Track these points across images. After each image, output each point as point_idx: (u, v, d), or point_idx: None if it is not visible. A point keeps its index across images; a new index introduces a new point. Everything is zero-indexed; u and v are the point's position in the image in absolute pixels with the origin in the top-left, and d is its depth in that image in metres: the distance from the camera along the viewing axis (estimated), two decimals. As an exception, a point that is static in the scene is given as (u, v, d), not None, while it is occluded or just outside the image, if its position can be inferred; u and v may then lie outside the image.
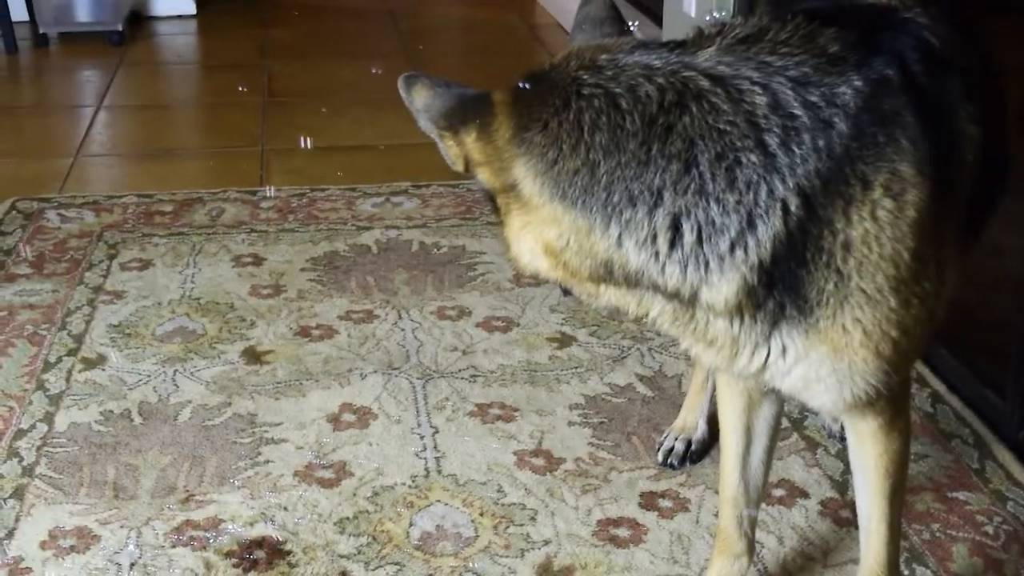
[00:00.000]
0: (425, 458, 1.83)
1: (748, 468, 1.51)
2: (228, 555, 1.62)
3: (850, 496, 1.73)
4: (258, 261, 2.49)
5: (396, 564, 1.61)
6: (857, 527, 1.44)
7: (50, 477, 1.78)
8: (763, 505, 1.64)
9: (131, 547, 1.64)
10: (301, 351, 2.14)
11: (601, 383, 2.04)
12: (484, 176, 1.23)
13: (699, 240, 1.15)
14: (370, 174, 2.96)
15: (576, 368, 2.08)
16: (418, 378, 2.05)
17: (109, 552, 1.63)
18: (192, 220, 2.70)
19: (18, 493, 1.75)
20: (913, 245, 1.16)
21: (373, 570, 1.60)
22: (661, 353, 2.12)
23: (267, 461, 1.82)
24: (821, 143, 1.13)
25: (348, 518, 1.70)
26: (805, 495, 1.76)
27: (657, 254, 1.16)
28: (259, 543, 1.65)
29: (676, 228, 1.15)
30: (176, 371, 2.07)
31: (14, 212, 2.75)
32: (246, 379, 2.05)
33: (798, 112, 1.14)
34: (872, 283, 1.17)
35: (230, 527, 1.68)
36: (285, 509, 1.71)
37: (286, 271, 2.45)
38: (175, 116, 3.62)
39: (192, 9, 4.68)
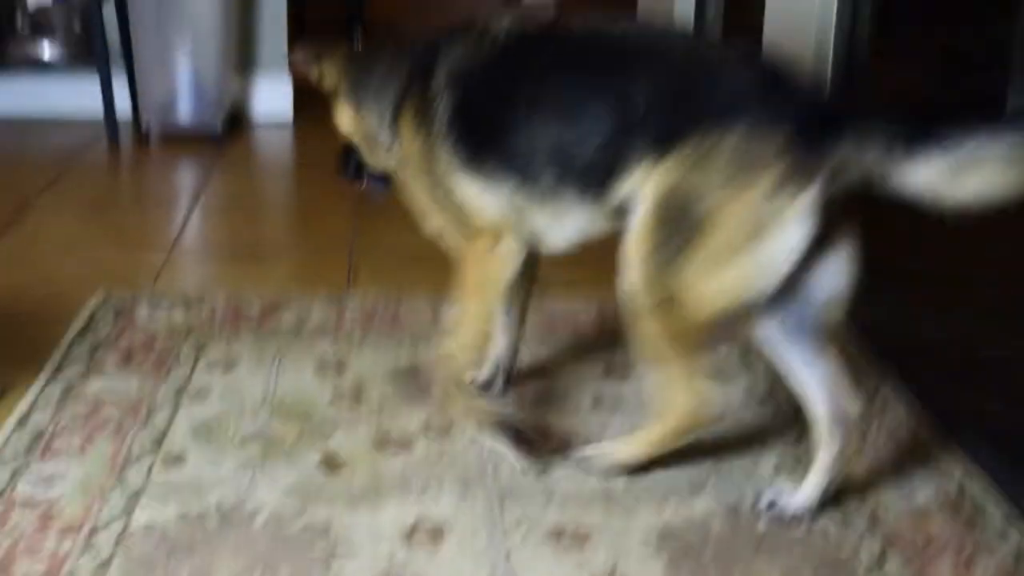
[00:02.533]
0: (498, 580, 1.82)
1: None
2: (295, 668, 1.62)
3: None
4: (341, 367, 2.51)
5: None
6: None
7: (125, 575, 1.79)
8: None
9: (199, 653, 1.64)
10: (378, 462, 2.14)
11: (677, 513, 2.01)
12: (326, 83, 2.34)
13: (388, 118, 2.24)
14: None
15: (652, 495, 2.06)
16: (495, 496, 2.04)
17: (177, 656, 1.63)
18: (278, 322, 2.74)
19: (92, 589, 1.76)
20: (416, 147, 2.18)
21: None
22: (745, 482, 2.09)
23: (340, 573, 1.82)
24: (392, 92, 2.22)
25: (417, 637, 1.68)
26: None
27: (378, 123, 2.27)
28: (326, 657, 1.64)
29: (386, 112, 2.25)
30: (254, 475, 2.09)
31: (106, 305, 2.81)
32: (323, 487, 2.05)
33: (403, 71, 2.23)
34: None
35: (299, 639, 1.68)
36: (355, 624, 1.71)
37: (368, 379, 2.46)
38: (267, 217, 3.70)
39: (289, 115, 4.81)
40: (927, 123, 1.78)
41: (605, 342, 2.66)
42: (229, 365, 2.52)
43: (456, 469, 2.12)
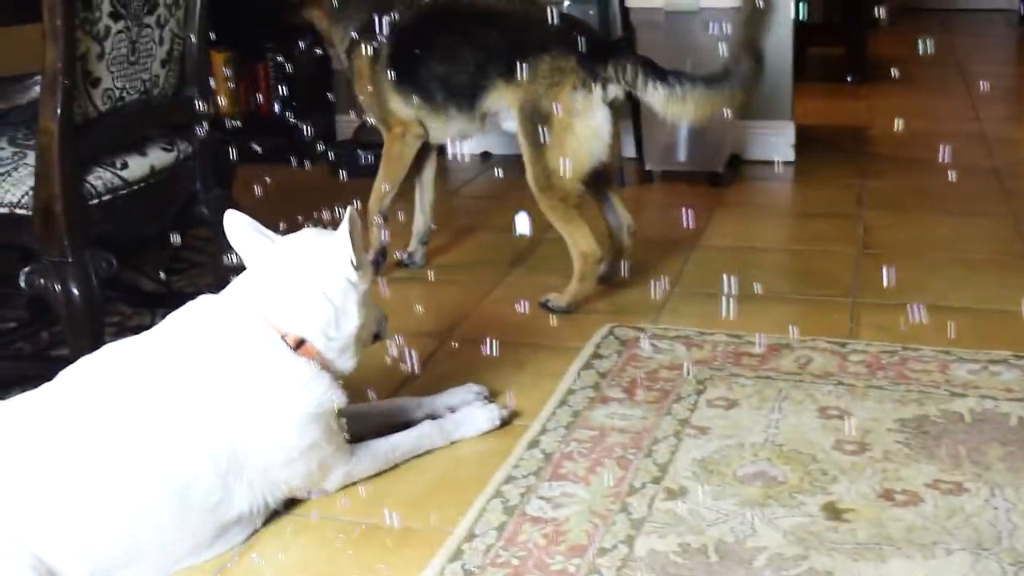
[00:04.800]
0: (1015, 654, 1.69)
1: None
2: None
3: None
4: (844, 415, 2.45)
5: None
6: None
7: (627, 600, 1.84)
8: None
9: None
10: (883, 514, 2.06)
11: None
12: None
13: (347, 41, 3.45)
14: (966, 338, 2.83)
15: None
16: (1010, 564, 1.90)
17: None
18: (779, 365, 2.72)
19: (597, 611, 1.81)
20: None
21: None
22: None
23: (842, 625, 1.76)
24: (354, 26, 3.38)
25: None
26: None
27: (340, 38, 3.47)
28: None
29: None
30: (754, 515, 2.07)
31: (611, 337, 2.91)
32: (824, 534, 2.00)
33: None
34: None
35: None
36: None
37: (872, 429, 2.38)
38: (765, 259, 3.67)
39: (791, 155, 4.78)
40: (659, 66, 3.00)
41: None
42: (730, 403, 2.52)
43: (968, 530, 2.00)
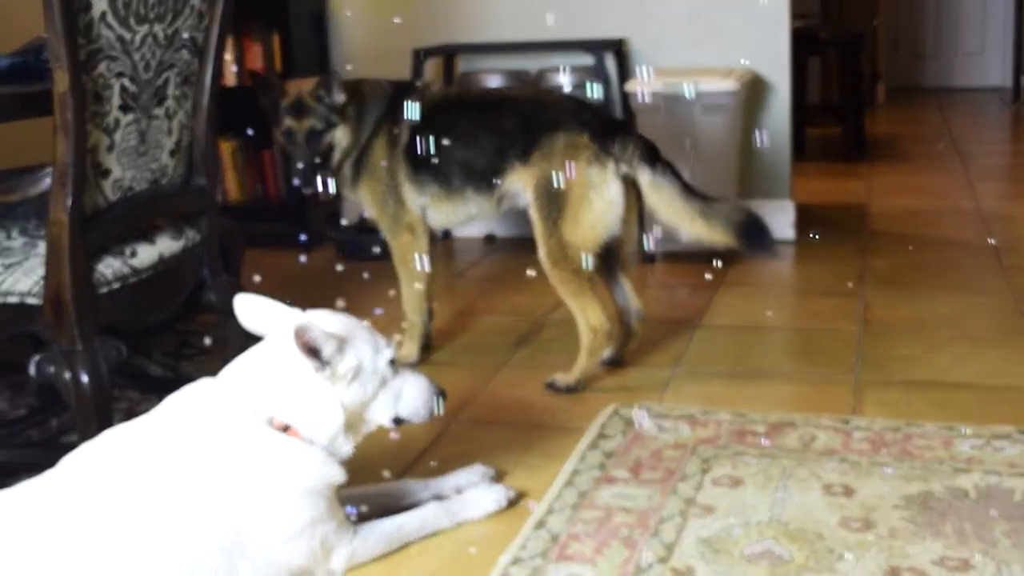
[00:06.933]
0: None
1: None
2: None
3: None
4: (848, 492, 2.46)
5: None
6: None
7: None
8: None
9: None
10: (891, 592, 2.07)
11: None
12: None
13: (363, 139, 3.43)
14: (969, 414, 2.85)
15: None
16: (1019, 641, 1.90)
17: None
18: (783, 443, 2.73)
19: None
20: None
21: None
22: None
23: None
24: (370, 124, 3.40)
25: None
26: None
27: (353, 140, 3.44)
28: None
29: None
30: (761, 594, 2.07)
31: (616, 417, 2.92)
32: (832, 613, 2.01)
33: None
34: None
35: None
36: None
37: (877, 506, 2.39)
38: (768, 338, 3.69)
39: (791, 234, 4.83)
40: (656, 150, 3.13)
41: None
42: (735, 482, 2.53)
43: (975, 607, 2.01)
